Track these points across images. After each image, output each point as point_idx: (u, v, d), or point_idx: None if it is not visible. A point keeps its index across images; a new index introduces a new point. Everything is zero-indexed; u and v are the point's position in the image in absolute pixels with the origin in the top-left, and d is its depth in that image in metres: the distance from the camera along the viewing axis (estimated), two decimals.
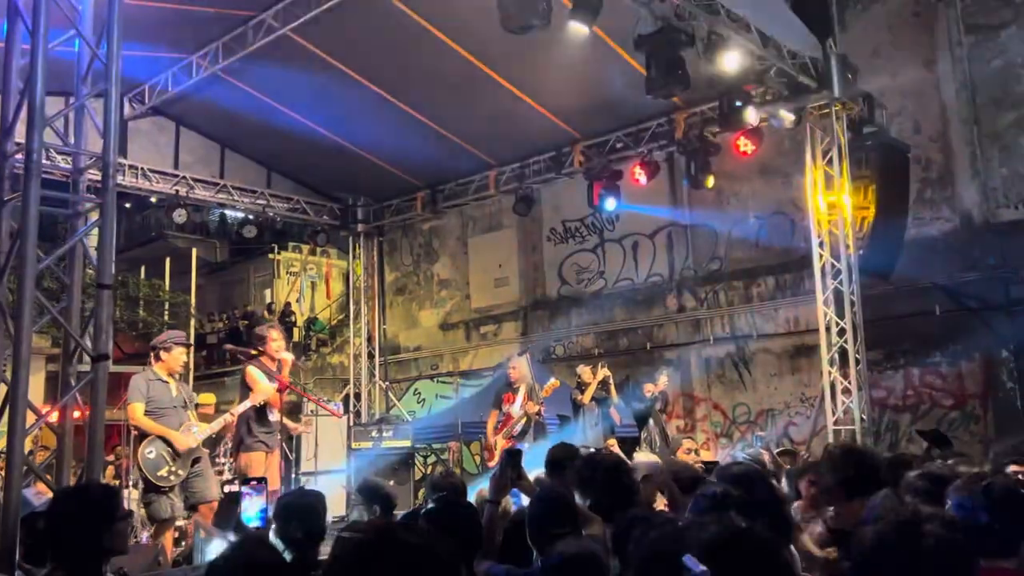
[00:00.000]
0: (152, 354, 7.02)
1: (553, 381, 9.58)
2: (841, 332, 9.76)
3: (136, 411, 6.68)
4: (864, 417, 9.53)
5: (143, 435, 6.72)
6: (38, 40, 4.60)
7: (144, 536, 7.61)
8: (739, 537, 1.98)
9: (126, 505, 5.82)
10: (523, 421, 8.99)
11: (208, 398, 10.17)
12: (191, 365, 16.11)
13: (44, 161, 4.86)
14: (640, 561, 2.11)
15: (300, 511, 3.82)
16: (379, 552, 1.74)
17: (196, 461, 6.85)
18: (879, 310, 10.26)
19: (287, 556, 3.54)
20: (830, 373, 9.73)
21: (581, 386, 10.10)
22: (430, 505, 3.92)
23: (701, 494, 3.29)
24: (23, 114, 4.74)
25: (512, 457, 3.93)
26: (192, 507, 6.86)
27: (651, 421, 10.25)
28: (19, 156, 4.79)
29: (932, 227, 11.00)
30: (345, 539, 2.06)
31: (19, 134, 4.86)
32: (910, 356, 11.07)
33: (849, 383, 9.63)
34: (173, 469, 6.63)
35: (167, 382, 6.86)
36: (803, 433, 11.54)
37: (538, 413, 9.09)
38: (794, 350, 12.07)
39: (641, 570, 2.09)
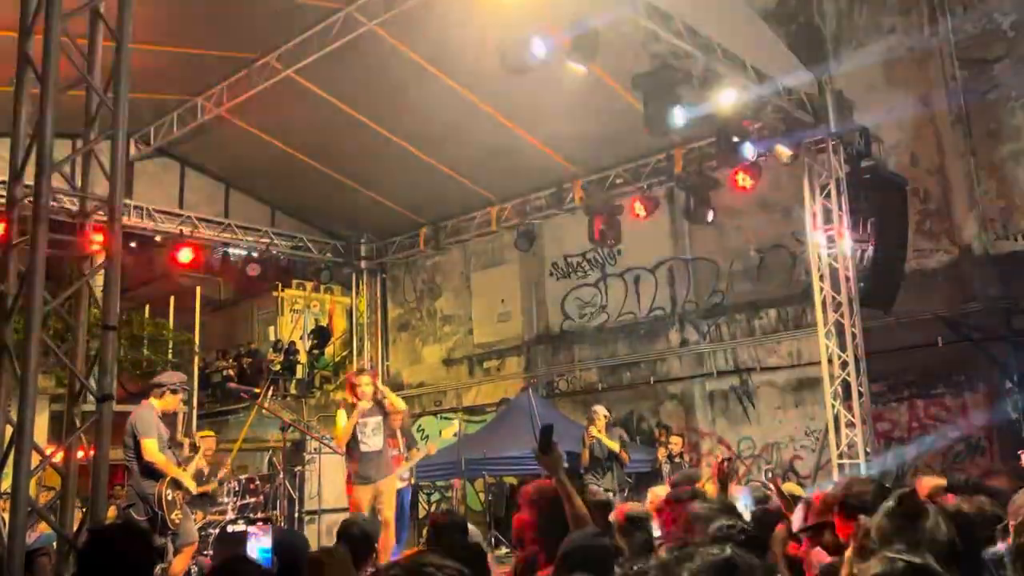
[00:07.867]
0: (156, 391, 6.97)
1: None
2: (843, 365, 9.77)
3: (153, 447, 6.59)
4: (868, 451, 9.50)
5: (149, 471, 6.63)
6: (48, 88, 4.68)
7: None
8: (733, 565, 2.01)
9: None
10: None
11: (209, 441, 9.86)
12: (195, 403, 16.07)
13: (51, 204, 4.92)
14: None
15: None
16: None
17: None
18: (881, 342, 10.26)
19: None
20: (834, 406, 9.72)
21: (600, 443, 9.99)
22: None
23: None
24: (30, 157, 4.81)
25: (545, 432, 3.64)
26: (177, 550, 6.68)
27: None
28: (27, 199, 4.86)
29: (932, 259, 11.02)
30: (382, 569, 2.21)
31: (27, 176, 4.93)
32: (913, 388, 11.03)
33: (853, 416, 9.60)
34: (178, 512, 6.59)
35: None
36: (808, 467, 11.49)
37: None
38: (797, 383, 12.03)
39: None
